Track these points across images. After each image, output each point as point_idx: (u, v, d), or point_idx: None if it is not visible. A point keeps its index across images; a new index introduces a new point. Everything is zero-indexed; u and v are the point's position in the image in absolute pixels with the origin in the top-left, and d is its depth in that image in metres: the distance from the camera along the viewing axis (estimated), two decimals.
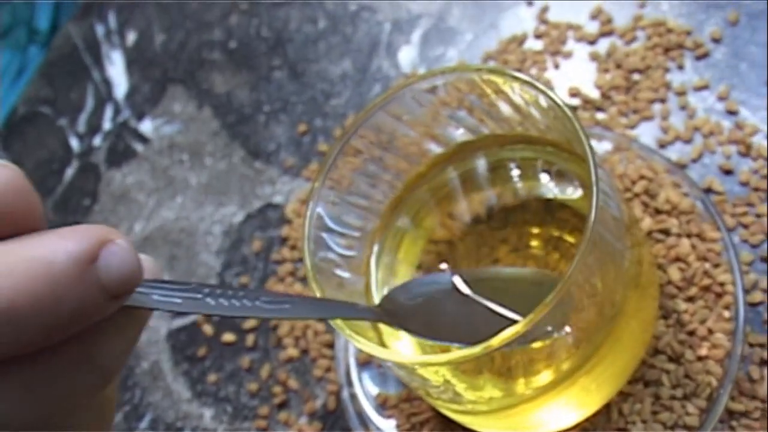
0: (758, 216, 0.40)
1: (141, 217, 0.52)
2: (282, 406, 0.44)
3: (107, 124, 0.55)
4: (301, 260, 0.45)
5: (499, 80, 0.32)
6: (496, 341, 0.27)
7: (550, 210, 0.37)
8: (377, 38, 0.52)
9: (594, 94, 0.45)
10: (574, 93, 0.46)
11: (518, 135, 0.36)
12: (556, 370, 0.32)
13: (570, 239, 0.36)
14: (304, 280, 0.46)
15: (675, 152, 0.43)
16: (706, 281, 0.38)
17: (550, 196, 0.37)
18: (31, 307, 0.18)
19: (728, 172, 0.42)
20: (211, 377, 0.46)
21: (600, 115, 0.45)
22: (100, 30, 0.59)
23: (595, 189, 0.28)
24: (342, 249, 0.34)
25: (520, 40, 0.48)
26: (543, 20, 0.49)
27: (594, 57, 0.46)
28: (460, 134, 0.36)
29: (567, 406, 0.35)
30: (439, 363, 0.30)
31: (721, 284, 0.38)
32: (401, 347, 0.35)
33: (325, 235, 0.33)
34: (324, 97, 0.51)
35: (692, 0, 0.46)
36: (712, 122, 0.43)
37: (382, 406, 0.41)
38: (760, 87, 0.43)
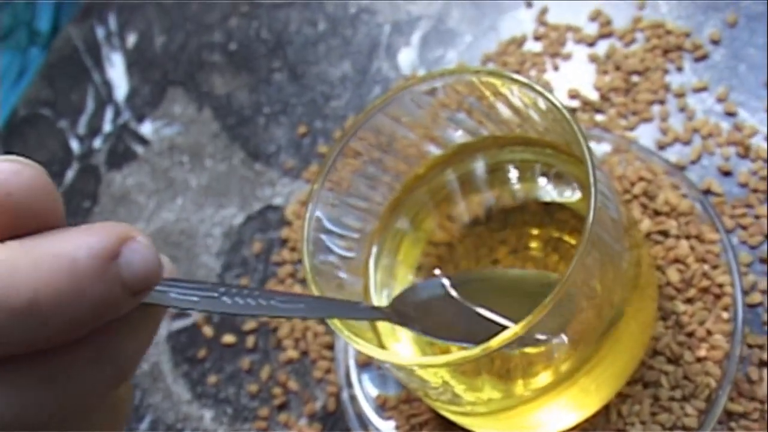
0: (757, 217, 0.40)
1: (141, 219, 0.52)
2: (282, 407, 0.44)
3: (107, 126, 0.56)
4: (300, 262, 0.45)
5: (497, 82, 0.32)
6: (494, 343, 0.27)
7: (549, 211, 0.37)
8: (377, 40, 0.52)
9: (593, 95, 0.46)
10: (574, 95, 0.46)
11: (517, 137, 0.36)
12: (555, 371, 0.32)
13: (569, 240, 0.36)
14: (304, 281, 0.46)
15: (674, 154, 0.43)
16: (705, 283, 0.38)
17: (548, 198, 0.37)
18: (55, 301, 0.18)
19: (727, 174, 0.42)
20: (211, 379, 0.46)
21: (599, 117, 0.45)
22: (100, 32, 0.59)
23: (593, 190, 0.28)
24: (341, 250, 0.35)
25: (520, 41, 0.49)
26: (542, 22, 0.49)
27: (593, 59, 0.46)
28: (459, 136, 0.36)
29: (566, 407, 0.35)
30: (438, 364, 0.30)
31: (720, 285, 0.38)
32: (400, 349, 0.35)
33: (324, 236, 0.33)
34: (324, 99, 0.51)
35: (691, 1, 0.46)
36: (711, 124, 0.43)
37: (382, 407, 0.41)
38: (759, 88, 0.43)
